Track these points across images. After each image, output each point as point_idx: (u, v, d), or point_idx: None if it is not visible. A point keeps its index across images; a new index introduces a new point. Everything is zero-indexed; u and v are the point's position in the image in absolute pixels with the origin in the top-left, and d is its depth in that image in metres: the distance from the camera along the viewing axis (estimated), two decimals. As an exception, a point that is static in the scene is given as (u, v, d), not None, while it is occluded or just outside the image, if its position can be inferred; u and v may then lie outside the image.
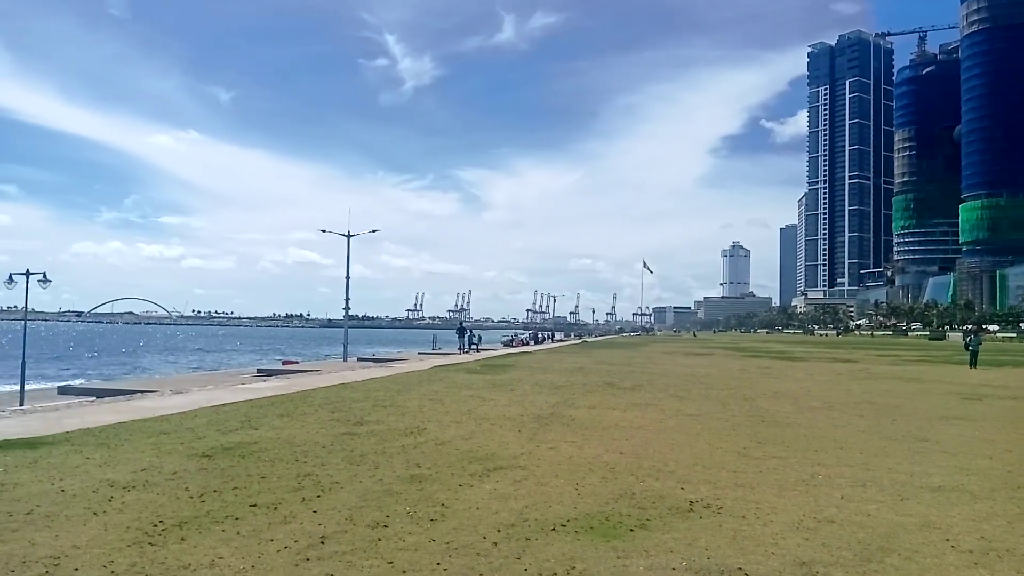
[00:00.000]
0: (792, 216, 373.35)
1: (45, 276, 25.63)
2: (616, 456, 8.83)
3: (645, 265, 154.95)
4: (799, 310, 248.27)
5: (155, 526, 5.53)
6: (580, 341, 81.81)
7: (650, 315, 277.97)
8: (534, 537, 5.41)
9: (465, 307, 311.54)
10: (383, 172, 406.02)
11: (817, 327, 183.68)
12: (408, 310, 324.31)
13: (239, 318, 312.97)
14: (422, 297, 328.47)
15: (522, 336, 76.64)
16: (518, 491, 6.90)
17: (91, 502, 6.25)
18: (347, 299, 42.68)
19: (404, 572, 4.59)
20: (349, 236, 41.36)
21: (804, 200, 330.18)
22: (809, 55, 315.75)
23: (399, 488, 6.91)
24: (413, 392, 16.77)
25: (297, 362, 42.65)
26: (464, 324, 45.63)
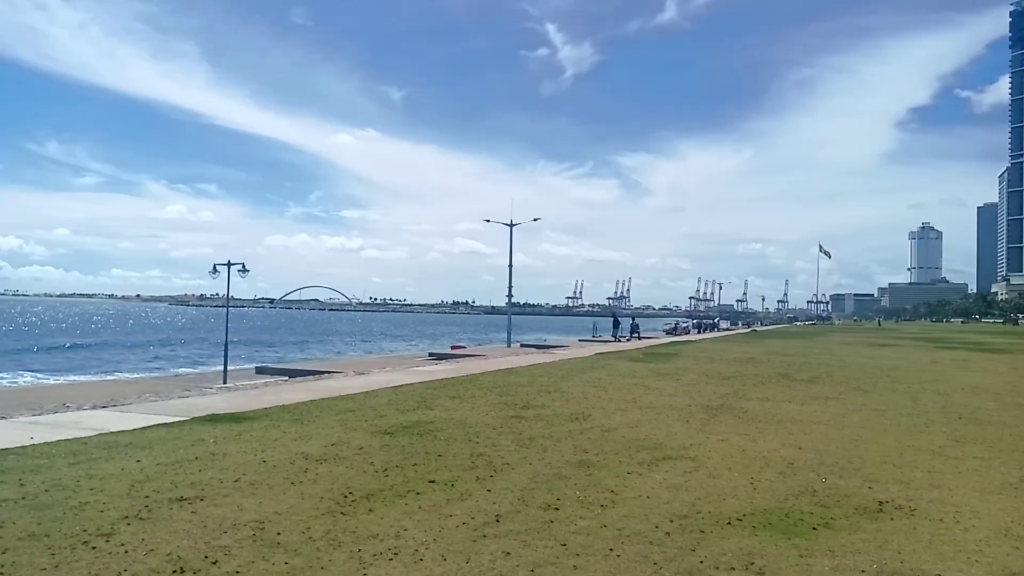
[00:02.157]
0: (992, 193, 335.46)
1: (244, 266, 28.32)
2: (794, 451, 8.40)
3: (821, 249, 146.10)
4: (1000, 297, 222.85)
5: (345, 497, 5.96)
6: (749, 330, 78.52)
7: (827, 303, 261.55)
8: (709, 530, 5.27)
9: (625, 294, 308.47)
10: (543, 161, 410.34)
11: (1022, 316, 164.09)
12: (568, 297, 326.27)
13: (411, 305, 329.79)
14: (581, 284, 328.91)
15: (685, 324, 74.79)
16: (689, 482, 6.75)
17: (289, 473, 6.85)
18: (510, 287, 43.72)
19: (577, 555, 4.64)
20: (512, 225, 42.29)
21: (1006, 175, 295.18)
22: (1012, 14, 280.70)
23: (568, 472, 6.99)
24: (576, 379, 16.87)
25: (464, 347, 44.30)
26: (616, 314, 45.31)
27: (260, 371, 28.28)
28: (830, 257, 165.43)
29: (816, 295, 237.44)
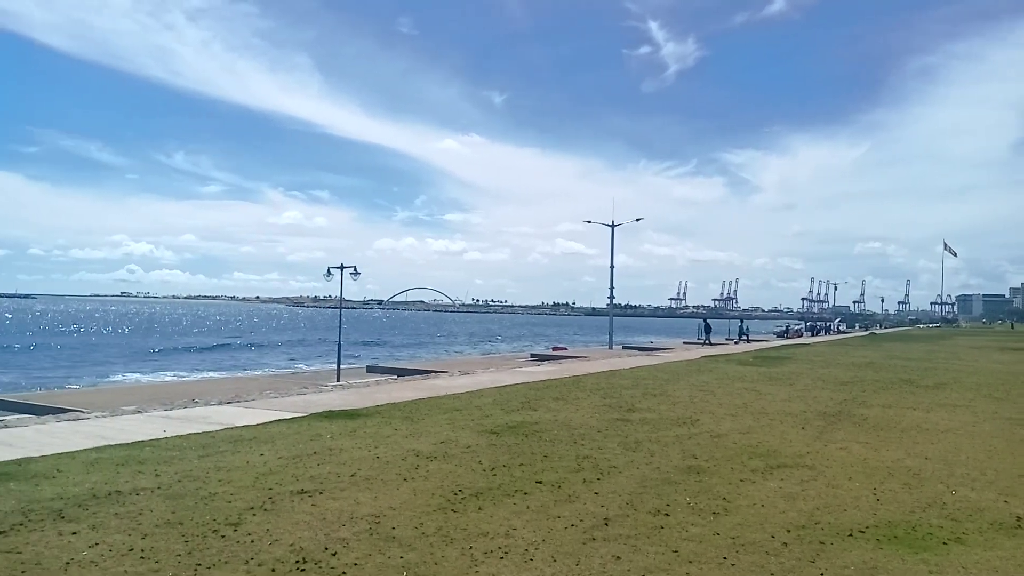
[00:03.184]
0: None
1: (355, 269, 29.38)
2: (920, 461, 7.91)
3: (946, 247, 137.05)
4: None
5: (455, 494, 6.08)
6: (867, 333, 74.61)
7: (952, 304, 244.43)
8: (829, 541, 5.04)
9: (732, 295, 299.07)
10: (645, 160, 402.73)
11: None
12: (671, 299, 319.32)
13: (512, 306, 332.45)
14: (685, 286, 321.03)
15: (797, 327, 71.86)
16: (806, 491, 6.48)
17: (401, 469, 7.05)
18: (611, 288, 43.37)
19: (690, 562, 4.54)
20: (613, 226, 41.92)
21: None
22: None
23: (677, 478, 6.86)
24: (682, 382, 16.53)
25: (566, 348, 44.28)
26: (707, 318, 43.97)
27: (371, 370, 29.29)
28: (956, 255, 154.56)
29: (940, 296, 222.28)
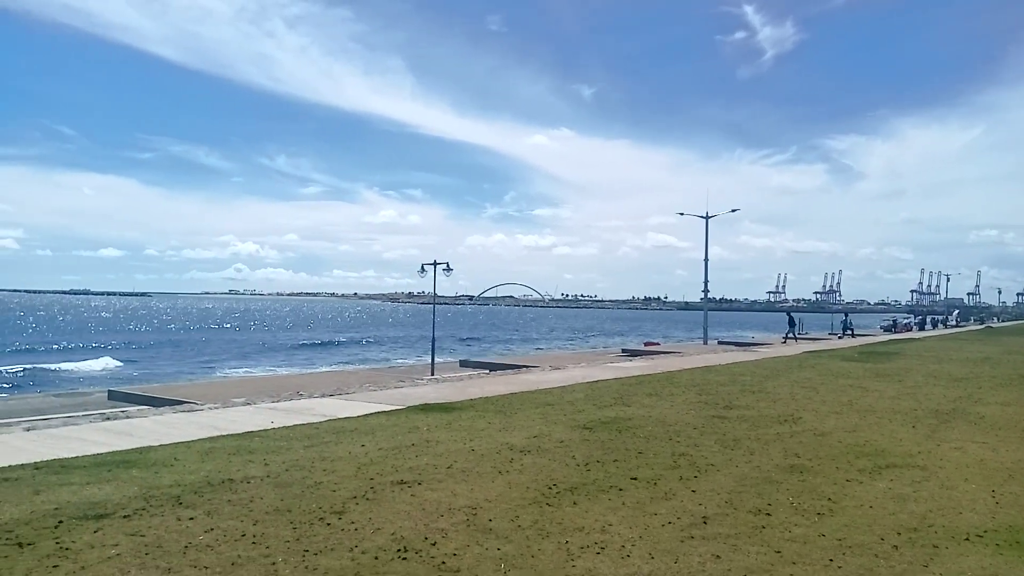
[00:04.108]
0: None
1: (448, 266, 29.87)
2: (1047, 464, 7.38)
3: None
4: None
5: (550, 488, 6.11)
6: (982, 326, 70.08)
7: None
8: (943, 545, 4.78)
9: (835, 288, 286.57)
10: (740, 149, 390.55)
11: None
12: (769, 292, 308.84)
13: (601, 301, 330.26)
14: (784, 278, 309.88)
15: (905, 320, 68.24)
16: (918, 493, 6.16)
17: (496, 462, 7.14)
18: (706, 281, 42.39)
19: (793, 563, 4.40)
20: (707, 217, 40.96)
21: None
22: None
23: (778, 477, 6.65)
24: (782, 378, 16.01)
25: (658, 344, 43.65)
26: (791, 312, 42.13)
27: (463, 364, 29.77)
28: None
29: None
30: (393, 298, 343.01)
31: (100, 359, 47.01)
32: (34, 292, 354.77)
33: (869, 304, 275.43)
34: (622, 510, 5.49)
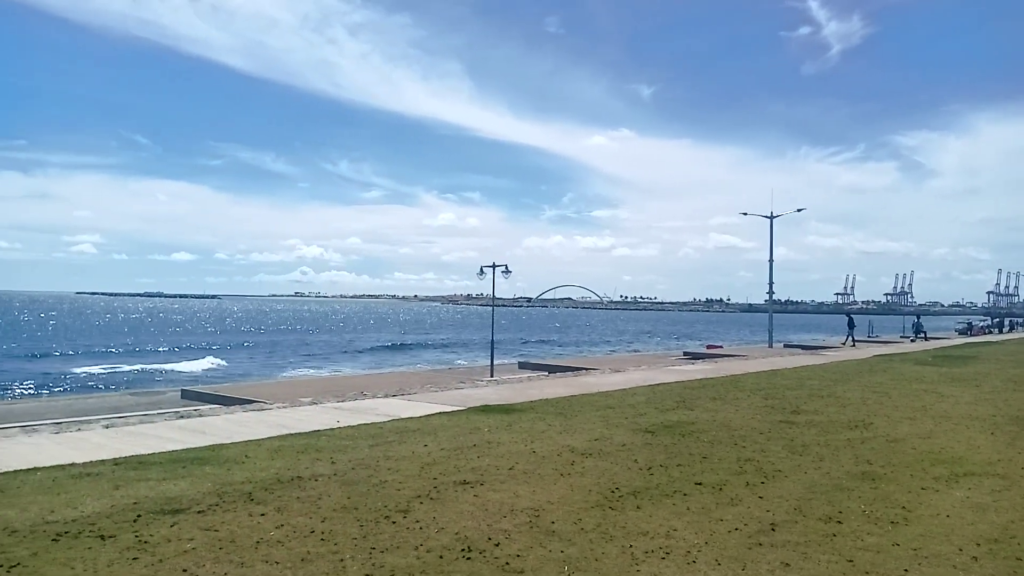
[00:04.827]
0: None
1: (507, 268, 29.98)
2: None
3: None
4: None
5: (612, 492, 6.07)
6: (1067, 330, 66.42)
7: None
8: (1029, 560, 4.56)
9: (906, 289, 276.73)
10: (806, 147, 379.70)
11: None
12: (837, 294, 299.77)
13: (662, 303, 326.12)
14: (853, 279, 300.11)
15: (983, 323, 65.26)
16: (999, 502, 5.89)
17: (557, 464, 7.13)
18: (771, 283, 41.41)
19: (866, 573, 4.26)
20: (772, 217, 40.03)
21: None
22: None
23: (849, 484, 6.46)
24: (852, 383, 15.52)
25: (721, 346, 42.85)
26: (851, 314, 40.58)
27: (522, 366, 29.80)
28: None
29: None
30: (452, 300, 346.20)
31: (205, 359, 49.44)
32: (112, 295, 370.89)
33: (943, 306, 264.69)
34: (687, 515, 5.42)
